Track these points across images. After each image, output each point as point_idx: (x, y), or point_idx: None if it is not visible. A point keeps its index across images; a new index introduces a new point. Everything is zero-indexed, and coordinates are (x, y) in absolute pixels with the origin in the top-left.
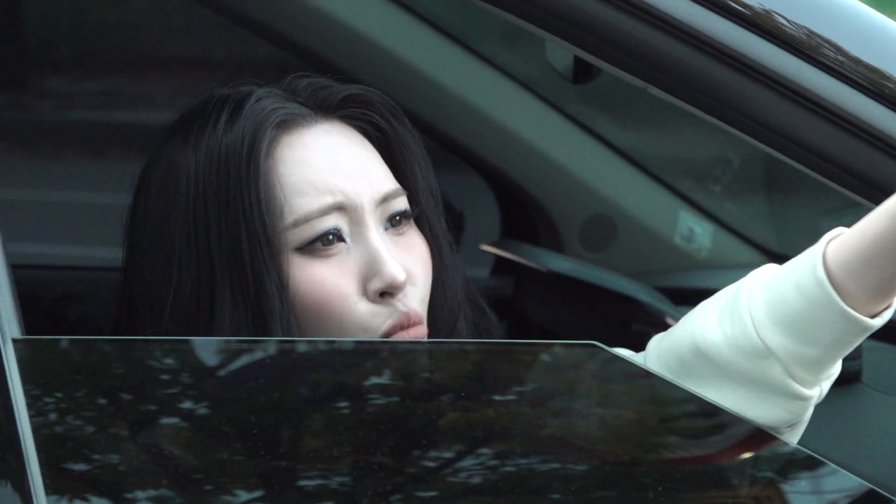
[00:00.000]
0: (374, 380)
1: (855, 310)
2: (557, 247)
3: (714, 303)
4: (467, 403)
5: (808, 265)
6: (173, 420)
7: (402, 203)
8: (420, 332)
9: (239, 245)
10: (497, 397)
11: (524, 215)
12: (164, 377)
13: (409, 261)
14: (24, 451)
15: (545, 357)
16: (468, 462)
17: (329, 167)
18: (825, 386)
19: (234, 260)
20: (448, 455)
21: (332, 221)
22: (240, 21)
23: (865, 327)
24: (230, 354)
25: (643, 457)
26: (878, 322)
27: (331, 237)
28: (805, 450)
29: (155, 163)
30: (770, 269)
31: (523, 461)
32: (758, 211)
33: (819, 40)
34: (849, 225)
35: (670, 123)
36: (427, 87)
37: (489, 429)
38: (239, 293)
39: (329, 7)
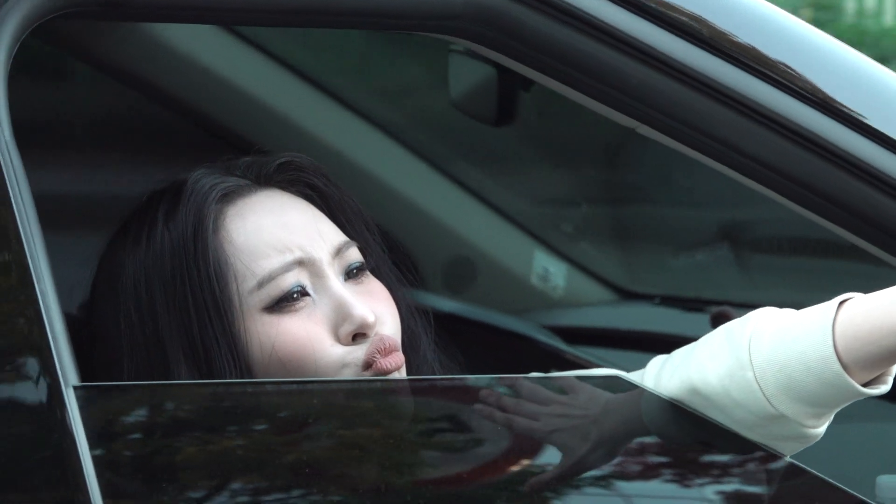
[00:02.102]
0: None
1: (854, 378)
2: (422, 289)
3: (709, 354)
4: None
5: (817, 349)
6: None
7: (355, 254)
8: (398, 359)
9: (188, 319)
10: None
11: (389, 259)
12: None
13: (373, 303)
14: (90, 494)
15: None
16: None
17: (281, 227)
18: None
19: (185, 334)
20: None
21: (294, 278)
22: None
23: (874, 395)
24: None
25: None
26: (885, 389)
27: (295, 294)
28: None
29: (100, 267)
30: (766, 319)
31: None
32: (609, 251)
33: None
34: None
35: (525, 164)
36: (291, 132)
37: None
38: (193, 365)
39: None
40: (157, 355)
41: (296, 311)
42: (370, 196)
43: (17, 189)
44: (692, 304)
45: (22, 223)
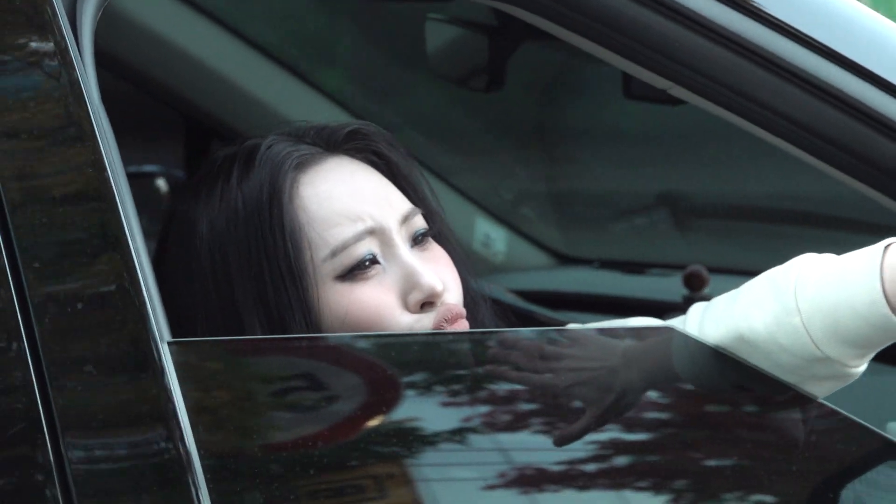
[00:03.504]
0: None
1: None
2: None
3: (754, 301)
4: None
5: (866, 293)
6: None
7: (420, 221)
8: (463, 325)
9: (263, 285)
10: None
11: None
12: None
13: (439, 270)
14: (187, 448)
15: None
16: None
17: (352, 196)
18: None
19: (260, 301)
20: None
21: (367, 247)
22: None
23: None
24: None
25: None
26: None
27: (367, 262)
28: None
29: (169, 223)
30: (809, 265)
31: None
32: (549, 217)
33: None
34: None
35: (468, 135)
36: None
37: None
38: (268, 331)
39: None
40: (231, 319)
41: (367, 279)
42: None
43: (110, 153)
44: (631, 267)
45: (116, 186)
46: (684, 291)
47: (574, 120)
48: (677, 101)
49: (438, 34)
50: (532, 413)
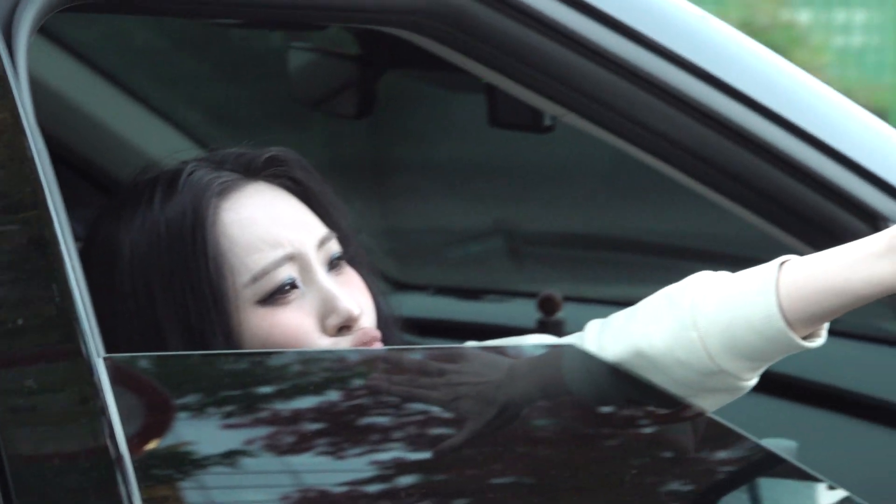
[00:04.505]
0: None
1: (795, 334)
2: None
3: (652, 318)
4: None
5: (762, 309)
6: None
7: (335, 245)
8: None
9: (186, 308)
10: None
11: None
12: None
13: (354, 294)
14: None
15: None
16: None
17: (272, 222)
18: None
19: (182, 323)
20: None
21: (286, 272)
22: None
23: (813, 348)
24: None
25: None
26: (821, 342)
27: (287, 287)
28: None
29: (90, 246)
30: (705, 282)
31: None
32: (383, 244)
33: None
34: None
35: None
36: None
37: None
38: (190, 348)
39: None
40: (154, 340)
41: (287, 303)
42: None
43: (45, 171)
44: (465, 294)
45: (52, 204)
46: (537, 315)
47: (409, 149)
48: (545, 129)
49: (302, 63)
50: (408, 427)
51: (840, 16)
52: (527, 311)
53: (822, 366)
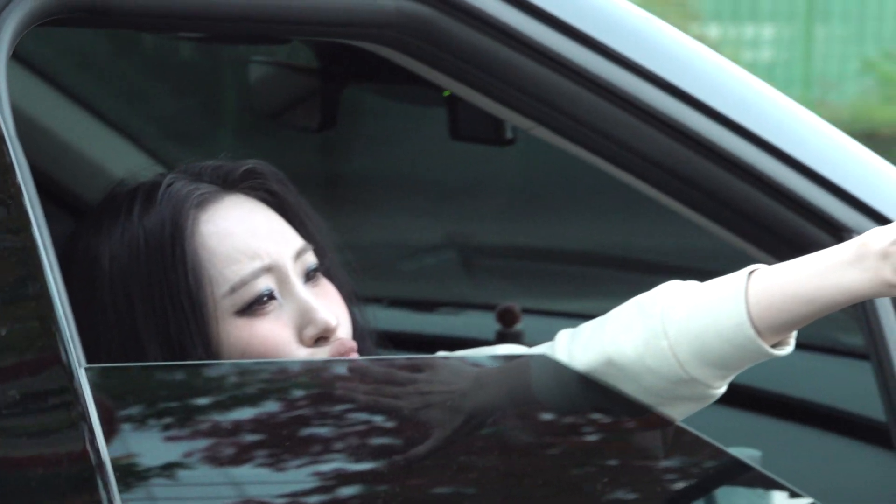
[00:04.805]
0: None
1: (764, 342)
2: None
3: (622, 326)
4: None
5: (731, 317)
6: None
7: (312, 257)
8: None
9: (166, 319)
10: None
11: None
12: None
13: (331, 306)
14: (103, 464)
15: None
16: None
17: (250, 234)
18: None
19: (161, 334)
20: None
21: (264, 283)
22: None
23: (781, 356)
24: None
25: None
26: (790, 350)
27: (265, 298)
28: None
29: (70, 254)
30: (675, 291)
31: None
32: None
33: None
34: None
35: None
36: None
37: None
38: (169, 359)
39: None
40: (133, 350)
41: (265, 314)
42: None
43: (25, 182)
44: (420, 306)
45: (33, 215)
46: (493, 327)
47: (362, 162)
48: (506, 142)
49: (262, 77)
50: (375, 436)
51: (749, 30)
52: (480, 323)
53: (780, 377)
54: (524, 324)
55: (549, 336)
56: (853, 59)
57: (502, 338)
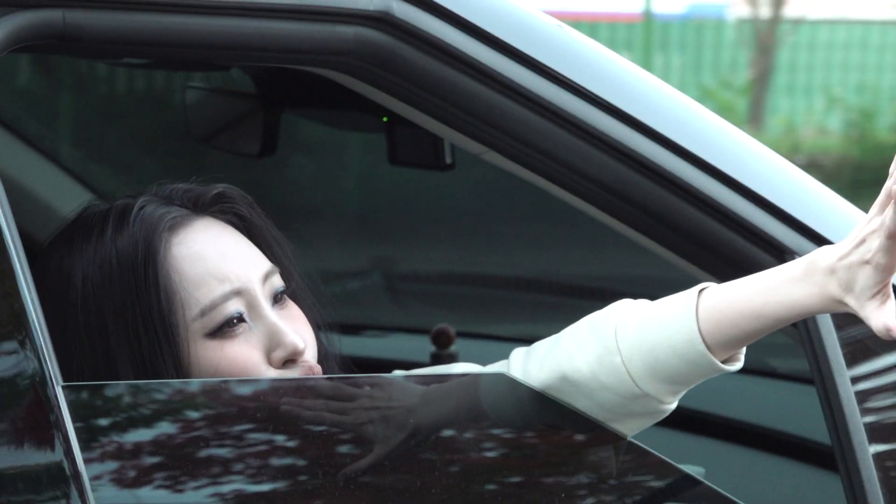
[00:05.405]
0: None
1: (716, 356)
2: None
3: (576, 344)
4: None
5: (682, 332)
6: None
7: (279, 280)
8: None
9: (138, 341)
10: None
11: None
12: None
13: (298, 328)
14: (80, 476)
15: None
16: None
17: (220, 257)
18: None
19: (133, 354)
20: None
21: (234, 306)
22: None
23: (731, 371)
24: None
25: None
26: (739, 366)
27: (234, 321)
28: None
29: (42, 274)
30: (628, 309)
31: None
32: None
33: None
34: None
35: None
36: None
37: None
38: (140, 378)
39: None
40: (105, 369)
41: (234, 336)
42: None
43: (0, 202)
44: (344, 329)
45: (9, 233)
46: (426, 349)
47: (287, 188)
48: (446, 167)
49: (199, 102)
50: (316, 450)
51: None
52: (405, 345)
53: (721, 399)
54: (457, 346)
55: (481, 358)
56: (692, 88)
57: (437, 359)
